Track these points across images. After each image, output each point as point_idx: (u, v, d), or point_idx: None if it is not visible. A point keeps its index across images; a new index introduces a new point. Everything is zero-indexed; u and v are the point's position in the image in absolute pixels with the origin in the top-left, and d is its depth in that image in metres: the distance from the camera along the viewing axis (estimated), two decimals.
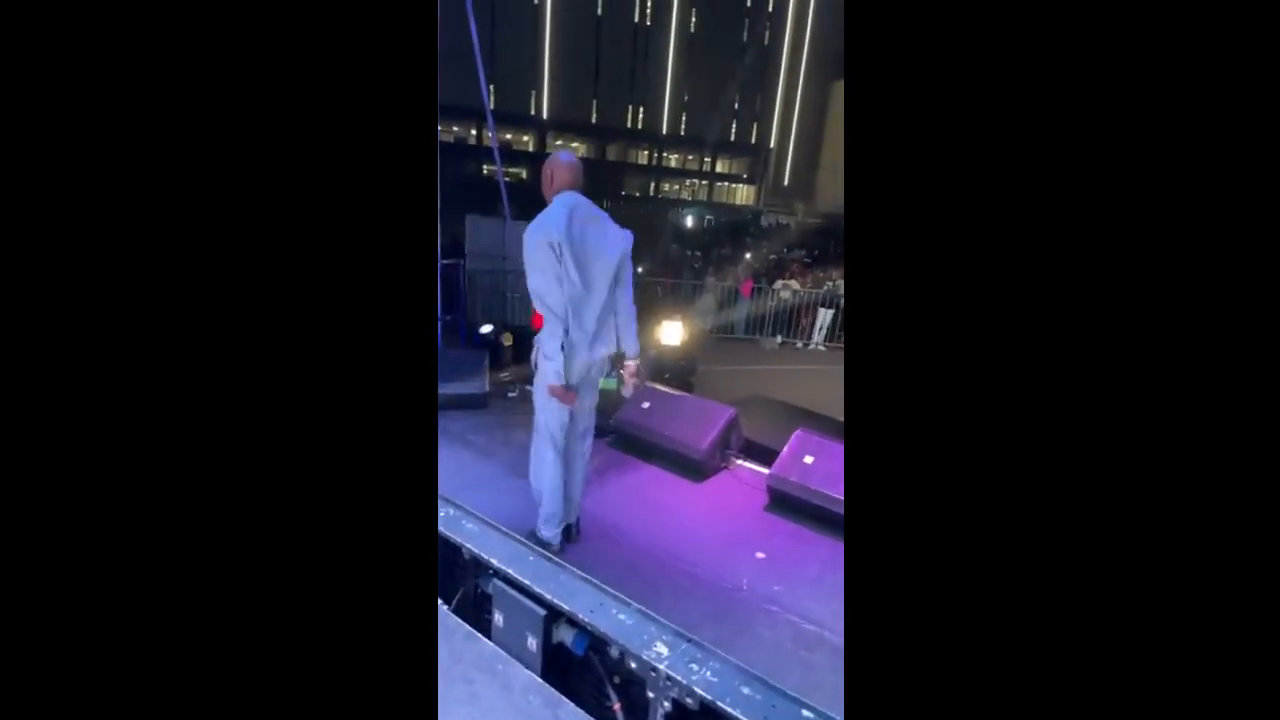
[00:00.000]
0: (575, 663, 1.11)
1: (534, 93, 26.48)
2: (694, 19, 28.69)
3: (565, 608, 1.09)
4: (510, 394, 2.07)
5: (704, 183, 32.15)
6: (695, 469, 3.11)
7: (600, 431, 3.54)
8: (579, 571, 1.18)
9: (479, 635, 1.07)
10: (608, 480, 3.05)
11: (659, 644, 1.01)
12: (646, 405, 3.41)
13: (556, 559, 1.21)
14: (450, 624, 1.09)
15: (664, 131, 29.52)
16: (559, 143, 27.78)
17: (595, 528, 2.48)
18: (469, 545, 1.27)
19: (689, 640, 1.01)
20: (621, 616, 1.07)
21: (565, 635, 1.09)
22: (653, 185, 30.30)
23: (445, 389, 3.61)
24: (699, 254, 12.23)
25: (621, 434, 3.42)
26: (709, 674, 0.95)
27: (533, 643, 1.11)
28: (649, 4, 27.81)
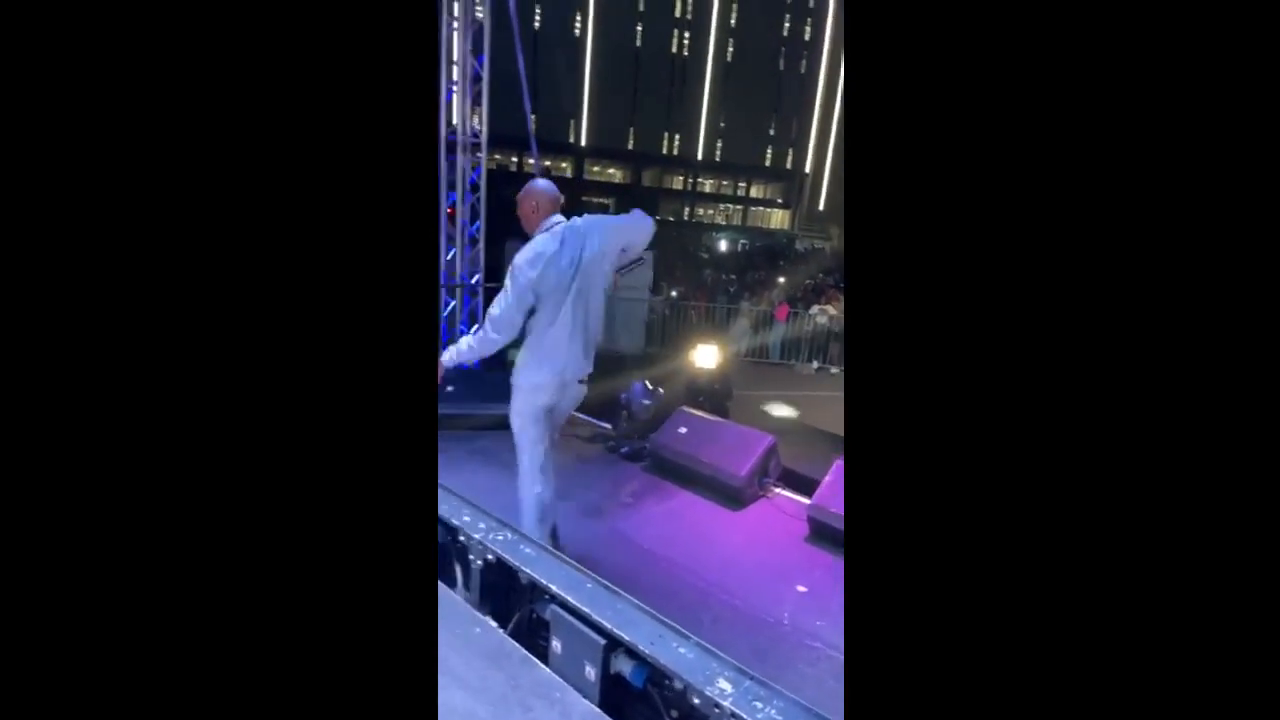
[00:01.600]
0: (632, 695, 1.10)
1: (573, 121, 27.11)
2: (730, 48, 29.14)
3: (625, 638, 1.09)
4: None
5: (739, 207, 32.29)
6: (733, 496, 3.08)
7: (636, 455, 3.55)
8: (637, 601, 1.17)
9: (536, 661, 1.07)
10: (645, 504, 3.04)
11: (722, 680, 0.99)
12: (683, 430, 3.40)
13: (615, 588, 1.20)
14: (507, 647, 1.10)
15: (699, 157, 29.85)
16: (596, 169, 28.32)
17: (633, 551, 2.46)
18: (526, 569, 1.28)
19: (751, 678, 1.00)
20: (682, 650, 1.06)
21: (624, 666, 1.09)
22: (688, 210, 30.53)
23: (485, 410, 3.67)
24: (733, 277, 12.25)
25: (657, 458, 3.41)
26: (774, 712, 0.94)
27: (591, 672, 1.11)
28: (686, 35, 28.37)
